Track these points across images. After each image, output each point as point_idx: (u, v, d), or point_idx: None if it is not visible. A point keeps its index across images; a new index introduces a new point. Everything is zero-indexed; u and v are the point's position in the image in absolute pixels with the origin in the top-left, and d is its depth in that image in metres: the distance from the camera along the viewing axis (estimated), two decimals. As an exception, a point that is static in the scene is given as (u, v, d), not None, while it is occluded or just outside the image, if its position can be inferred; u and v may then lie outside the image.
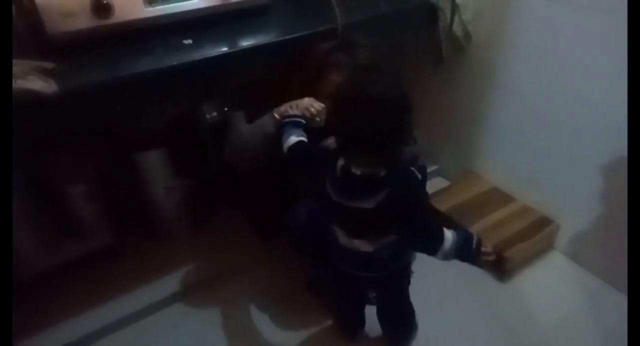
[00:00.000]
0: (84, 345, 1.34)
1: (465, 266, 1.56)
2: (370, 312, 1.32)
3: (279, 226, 1.53)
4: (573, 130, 1.45)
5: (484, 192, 1.76)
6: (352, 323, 1.35)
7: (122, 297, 1.44)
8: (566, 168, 1.52)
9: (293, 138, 1.11)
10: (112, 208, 1.54)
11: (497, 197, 1.73)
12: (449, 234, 0.99)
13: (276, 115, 1.20)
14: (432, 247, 0.99)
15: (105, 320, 1.38)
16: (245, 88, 1.49)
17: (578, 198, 1.51)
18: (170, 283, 1.50)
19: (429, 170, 1.95)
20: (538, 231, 1.57)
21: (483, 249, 1.01)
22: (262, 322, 1.41)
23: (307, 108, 1.17)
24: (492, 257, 1.03)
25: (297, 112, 1.17)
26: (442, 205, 1.70)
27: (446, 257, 1.00)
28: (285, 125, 1.15)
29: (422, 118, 1.89)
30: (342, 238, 1.07)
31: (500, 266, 1.51)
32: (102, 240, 1.53)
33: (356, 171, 0.94)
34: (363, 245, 1.04)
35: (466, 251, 1.00)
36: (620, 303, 1.40)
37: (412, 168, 1.12)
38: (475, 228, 1.58)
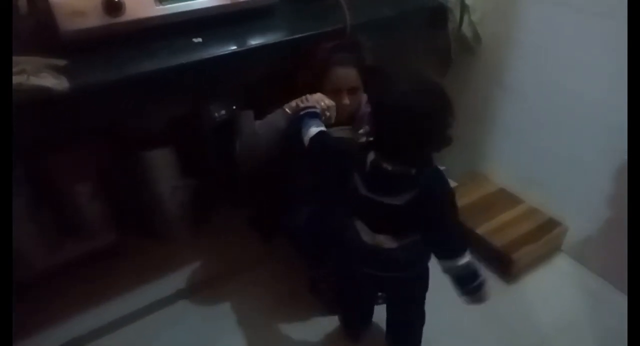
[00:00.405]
0: (85, 343, 1.35)
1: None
2: (376, 313, 1.32)
3: (278, 227, 1.53)
4: (580, 132, 1.45)
5: (491, 194, 1.75)
6: (359, 323, 1.34)
7: (123, 296, 1.45)
8: (574, 170, 1.51)
9: (314, 129, 1.11)
10: (115, 208, 1.55)
11: (504, 199, 1.72)
12: (469, 254, 0.99)
13: (287, 110, 1.21)
14: (449, 253, 0.99)
15: (106, 319, 1.39)
16: (253, 87, 1.50)
17: (586, 200, 1.50)
18: (171, 282, 1.50)
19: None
20: (545, 233, 1.56)
21: (482, 292, 1.00)
22: (263, 322, 1.42)
23: (317, 102, 1.19)
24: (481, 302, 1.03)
25: (309, 105, 1.18)
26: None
27: (451, 271, 1.00)
28: (302, 117, 1.14)
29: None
30: (365, 234, 1.05)
31: (506, 268, 1.51)
32: (103, 239, 1.53)
33: (387, 167, 0.94)
34: (387, 242, 1.03)
35: (470, 279, 0.99)
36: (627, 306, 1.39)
37: (441, 169, 1.10)
38: (482, 230, 1.58)
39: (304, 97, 1.21)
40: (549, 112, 1.53)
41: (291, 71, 1.32)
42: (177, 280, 1.51)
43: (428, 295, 1.40)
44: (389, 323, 1.27)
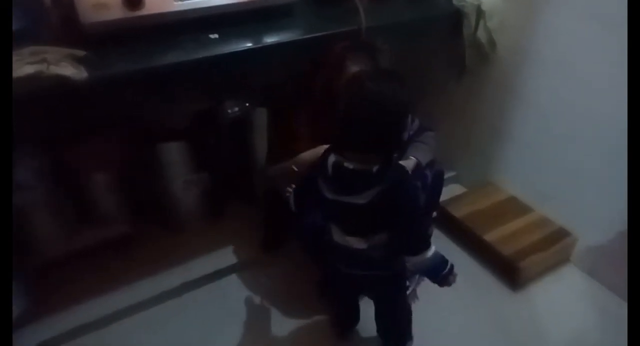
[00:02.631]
0: (94, 330, 1.37)
1: (477, 274, 1.58)
2: (366, 312, 1.32)
3: (280, 241, 1.58)
4: (593, 145, 1.43)
5: (501, 201, 1.74)
6: (344, 321, 1.35)
7: (134, 285, 1.47)
8: (586, 182, 1.49)
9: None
10: (130, 199, 1.58)
11: (515, 207, 1.71)
12: (432, 248, 1.02)
13: (295, 168, 1.24)
14: (414, 250, 1.02)
15: (115, 307, 1.41)
16: (269, 85, 1.52)
17: (596, 212, 1.48)
18: (180, 274, 1.52)
19: (446, 176, 1.95)
20: (554, 243, 1.55)
21: (453, 274, 1.05)
22: (267, 318, 1.43)
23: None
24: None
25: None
26: (458, 212, 1.69)
27: (416, 267, 1.05)
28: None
29: (443, 125, 1.89)
30: (337, 236, 1.07)
31: (513, 277, 1.50)
32: (118, 229, 1.56)
33: (348, 165, 0.96)
34: (356, 242, 1.05)
35: (441, 266, 1.03)
36: None
37: (426, 173, 1.11)
38: (490, 237, 1.57)
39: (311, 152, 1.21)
40: (564, 127, 1.51)
41: (306, 70, 1.33)
42: (186, 271, 1.53)
43: (435, 298, 1.41)
44: (376, 318, 1.28)
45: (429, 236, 1.07)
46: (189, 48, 1.14)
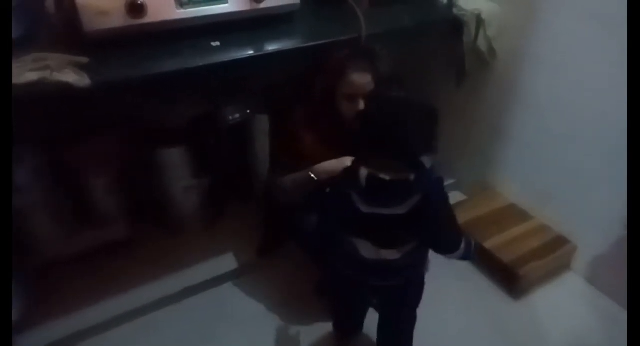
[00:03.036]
0: (94, 334, 1.37)
1: (476, 281, 1.58)
2: (370, 320, 1.32)
3: (278, 243, 1.58)
4: (595, 150, 1.44)
5: (501, 208, 1.74)
6: (350, 327, 1.35)
7: (134, 289, 1.47)
8: (586, 187, 1.49)
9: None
10: (131, 202, 1.58)
11: (514, 214, 1.71)
12: (462, 238, 1.08)
13: (313, 176, 1.24)
14: (451, 249, 1.07)
15: (116, 311, 1.41)
16: (270, 92, 1.53)
17: (598, 219, 1.49)
18: (180, 278, 1.52)
19: (446, 183, 1.95)
20: (554, 250, 1.55)
21: (475, 251, 1.14)
22: (267, 320, 1.44)
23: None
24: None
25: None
26: (458, 219, 1.68)
27: (452, 258, 1.10)
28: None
29: (442, 132, 1.90)
30: (367, 251, 1.05)
31: (513, 284, 1.50)
32: (117, 231, 1.57)
33: (385, 177, 0.93)
34: (389, 254, 1.04)
35: (468, 255, 1.11)
36: None
37: (441, 177, 1.10)
38: (489, 244, 1.57)
39: (333, 162, 1.21)
40: (564, 128, 1.52)
41: (308, 77, 1.34)
42: (186, 275, 1.53)
43: (435, 304, 1.40)
44: (381, 325, 1.27)
45: (459, 234, 1.09)
46: (190, 55, 1.15)
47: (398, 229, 1.00)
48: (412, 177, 0.94)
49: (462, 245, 1.07)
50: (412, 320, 1.25)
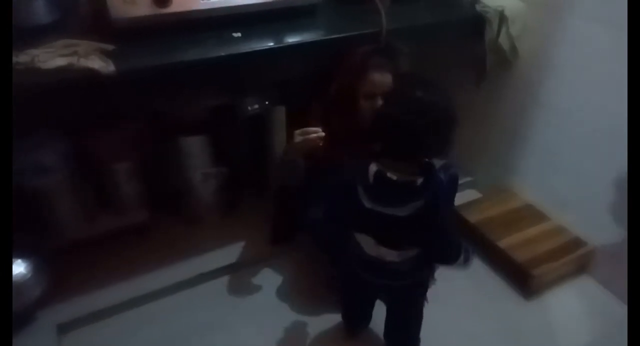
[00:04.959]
0: (112, 314, 1.42)
1: (489, 280, 1.57)
2: (378, 312, 1.33)
3: (290, 234, 1.60)
4: (612, 153, 1.41)
5: (517, 208, 1.73)
6: (358, 320, 1.36)
7: (149, 273, 1.51)
8: (604, 191, 1.47)
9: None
10: (149, 188, 1.62)
11: (530, 215, 1.70)
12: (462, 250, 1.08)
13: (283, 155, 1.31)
14: (452, 260, 1.07)
15: (132, 294, 1.45)
16: (289, 85, 1.54)
17: (615, 223, 1.46)
18: (195, 265, 1.55)
19: (462, 181, 1.94)
20: (569, 253, 1.53)
21: (472, 259, 1.14)
22: (277, 311, 1.45)
23: (307, 139, 1.22)
24: None
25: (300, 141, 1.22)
26: (472, 217, 1.68)
27: (452, 268, 1.12)
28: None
29: (461, 130, 1.89)
30: (368, 247, 1.07)
31: (525, 284, 1.49)
32: (136, 217, 1.61)
33: (392, 176, 0.95)
34: (389, 255, 1.05)
35: (466, 263, 1.11)
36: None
37: (440, 177, 1.11)
38: (504, 243, 1.57)
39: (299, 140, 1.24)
40: (583, 131, 1.50)
41: (327, 72, 1.35)
42: (200, 263, 1.56)
43: (447, 303, 1.43)
44: (387, 323, 1.29)
45: (459, 245, 1.09)
46: (212, 45, 1.18)
47: (398, 230, 1.01)
48: (419, 181, 0.94)
49: (461, 258, 1.07)
50: (418, 316, 1.26)
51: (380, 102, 1.26)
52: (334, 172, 1.08)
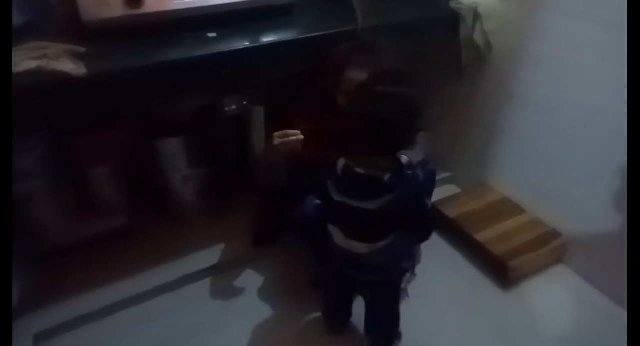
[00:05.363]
0: (92, 321, 1.40)
1: (469, 273, 1.60)
2: (359, 308, 1.34)
3: (274, 234, 1.60)
4: (588, 145, 1.45)
5: (495, 202, 1.76)
6: (339, 317, 1.38)
7: (134, 277, 1.50)
8: (580, 183, 1.51)
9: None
10: (132, 191, 1.61)
11: (508, 208, 1.73)
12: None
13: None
14: (425, 239, 1.12)
15: (113, 299, 1.44)
16: (266, 84, 1.54)
17: (591, 214, 1.50)
18: (179, 267, 1.55)
19: (441, 176, 1.97)
20: (545, 244, 1.57)
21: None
22: (266, 309, 1.46)
23: (286, 142, 1.22)
24: None
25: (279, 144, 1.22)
26: (451, 212, 1.71)
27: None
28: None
29: (438, 126, 1.91)
30: (338, 238, 1.09)
31: (504, 276, 1.52)
32: (119, 220, 1.59)
33: (359, 170, 0.97)
34: (358, 247, 1.07)
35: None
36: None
37: (417, 173, 1.13)
38: (482, 237, 1.60)
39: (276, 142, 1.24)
40: (558, 124, 1.53)
41: (307, 71, 1.35)
42: (184, 265, 1.56)
43: (427, 295, 1.46)
44: (367, 318, 1.30)
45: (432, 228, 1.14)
46: (187, 46, 1.17)
47: (366, 223, 1.02)
48: (386, 176, 0.96)
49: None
50: (397, 310, 1.28)
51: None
52: (314, 171, 1.10)
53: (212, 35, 1.22)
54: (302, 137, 1.21)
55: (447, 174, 1.98)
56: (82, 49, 1.07)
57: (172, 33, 1.20)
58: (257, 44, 1.23)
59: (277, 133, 1.24)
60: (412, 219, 1.03)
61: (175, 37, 1.20)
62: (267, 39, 1.26)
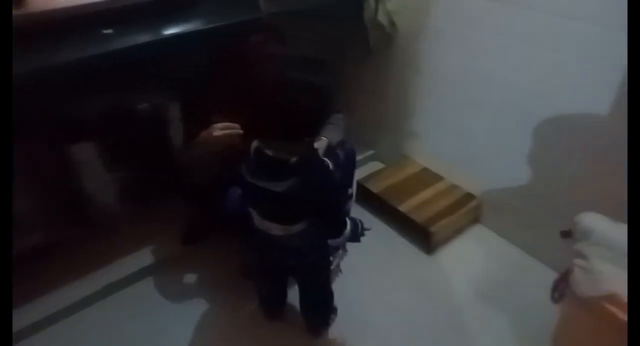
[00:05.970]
0: (21, 338, 1.34)
1: (395, 243, 1.69)
2: (293, 292, 1.38)
3: (203, 233, 1.61)
4: (492, 112, 1.56)
5: (415, 173, 1.86)
6: (273, 302, 1.41)
7: (61, 289, 1.45)
8: (489, 147, 1.63)
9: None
10: (48, 203, 1.52)
11: (427, 177, 1.83)
12: (348, 222, 1.16)
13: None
14: (335, 233, 1.14)
15: (41, 314, 1.39)
16: (178, 80, 1.51)
17: (499, 174, 1.62)
18: (106, 274, 1.51)
19: (365, 154, 2.05)
20: (461, 207, 1.68)
21: (365, 230, 1.21)
22: (203, 307, 1.46)
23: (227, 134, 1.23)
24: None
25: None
26: (375, 187, 1.78)
27: (339, 243, 1.20)
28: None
29: (356, 106, 1.98)
30: (256, 220, 1.12)
31: (426, 241, 1.62)
32: (36, 237, 1.51)
33: (268, 152, 1.00)
34: (273, 228, 1.09)
35: (354, 236, 1.18)
36: (541, 274, 1.47)
37: (327, 161, 1.16)
38: (403, 207, 1.68)
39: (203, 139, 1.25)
40: (466, 96, 1.63)
41: (217, 63, 1.34)
42: (115, 271, 1.52)
43: (356, 266, 1.53)
44: (301, 299, 1.35)
45: (343, 220, 1.16)
46: (81, 45, 1.13)
47: (276, 205, 1.06)
48: (292, 159, 0.99)
49: (347, 230, 1.14)
50: (326, 295, 1.32)
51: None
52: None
53: (107, 31, 1.18)
54: (241, 131, 1.23)
55: (371, 152, 2.06)
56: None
57: (66, 32, 1.14)
58: (158, 38, 1.21)
59: (217, 125, 1.23)
60: (321, 208, 1.07)
61: (69, 36, 1.14)
62: (168, 31, 1.24)
